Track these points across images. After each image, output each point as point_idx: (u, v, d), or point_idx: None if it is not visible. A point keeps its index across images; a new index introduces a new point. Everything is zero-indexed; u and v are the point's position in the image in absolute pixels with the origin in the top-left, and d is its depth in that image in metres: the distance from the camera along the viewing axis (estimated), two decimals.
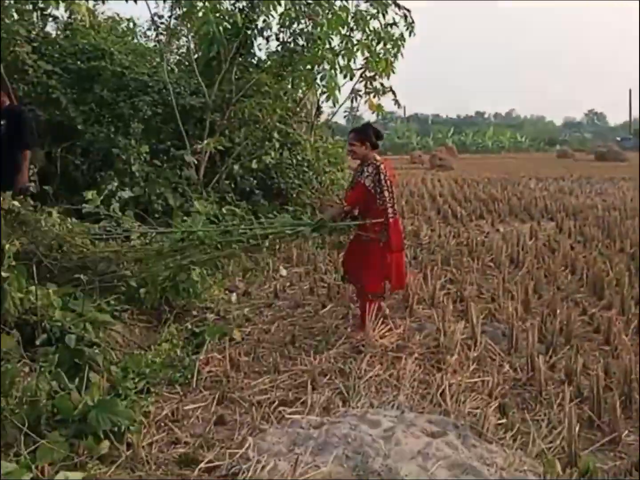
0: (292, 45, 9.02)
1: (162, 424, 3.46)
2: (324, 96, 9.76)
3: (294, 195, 9.11)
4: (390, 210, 4.76)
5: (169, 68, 9.72)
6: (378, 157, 4.88)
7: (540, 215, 11.45)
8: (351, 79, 11.19)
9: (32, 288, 3.71)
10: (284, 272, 7.37)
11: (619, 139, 50.01)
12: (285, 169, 9.14)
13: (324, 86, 8.64)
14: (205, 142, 7.74)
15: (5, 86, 7.06)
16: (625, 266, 6.85)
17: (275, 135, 8.91)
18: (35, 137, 7.00)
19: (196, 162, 7.98)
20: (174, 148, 8.39)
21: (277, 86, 9.02)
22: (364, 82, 11.37)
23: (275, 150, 9.02)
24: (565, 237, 9.16)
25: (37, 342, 3.73)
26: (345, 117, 15.46)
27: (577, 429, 3.10)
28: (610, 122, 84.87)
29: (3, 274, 3.48)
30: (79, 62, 8.53)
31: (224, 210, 7.82)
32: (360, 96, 12.03)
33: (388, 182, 4.76)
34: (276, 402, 3.72)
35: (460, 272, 6.85)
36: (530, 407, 3.69)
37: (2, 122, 6.63)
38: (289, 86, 9.10)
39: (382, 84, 11.56)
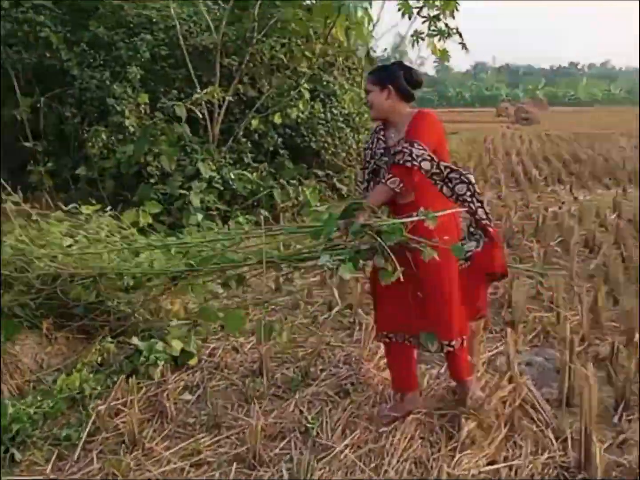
0: None
1: None
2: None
3: (327, 157, 7.53)
4: (477, 205, 2.66)
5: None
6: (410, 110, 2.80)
7: (628, 180, 9.45)
8: (409, 17, 9.49)
9: None
10: None
11: None
12: (317, 125, 7.55)
13: (347, 21, 6.90)
14: (205, 91, 6.25)
15: None
16: None
17: (303, 83, 7.30)
18: None
19: (201, 116, 6.53)
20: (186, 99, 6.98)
21: (309, 23, 7.37)
22: (427, 23, 9.67)
23: (305, 102, 7.43)
24: None
25: None
26: (435, 67, 13.97)
27: None
28: None
29: None
30: None
31: (231, 175, 6.39)
32: (422, 39, 10.37)
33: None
34: None
35: (516, 260, 5.19)
36: None
37: None
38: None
39: (447, 25, 9.77)
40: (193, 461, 2.54)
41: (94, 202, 6.51)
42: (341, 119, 7.70)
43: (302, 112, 7.35)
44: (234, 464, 2.50)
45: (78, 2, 7.20)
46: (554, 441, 2.62)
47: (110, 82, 6.80)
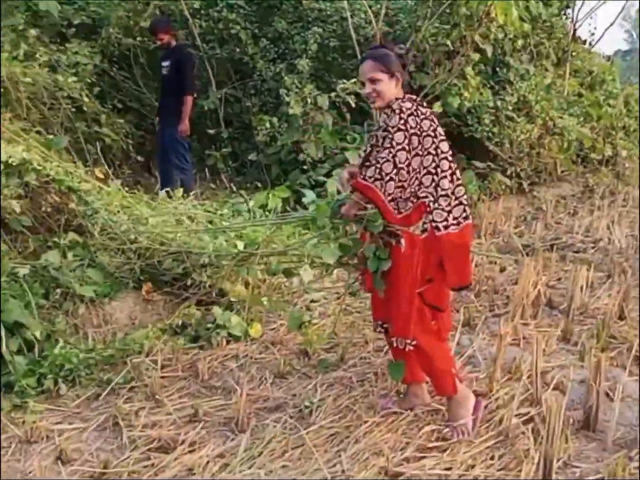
0: None
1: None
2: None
3: (489, 148, 7.16)
4: (440, 195, 2.54)
5: None
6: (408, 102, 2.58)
7: None
8: None
9: None
10: None
11: None
12: (485, 114, 7.20)
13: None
14: (352, 81, 6.39)
15: (170, 26, 6.76)
16: None
17: (470, 71, 7.03)
18: (195, 82, 6.63)
19: (354, 105, 6.68)
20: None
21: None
22: None
23: (473, 90, 7.14)
24: None
25: None
26: None
27: None
28: None
29: None
30: None
31: None
32: None
33: (435, 139, 2.53)
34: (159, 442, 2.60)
35: None
36: None
37: (165, 64, 6.41)
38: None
39: None
40: (187, 417, 2.82)
41: (259, 185, 7.20)
42: (510, 107, 7.22)
43: (468, 101, 7.07)
44: (218, 426, 2.74)
45: (266, 1, 7.84)
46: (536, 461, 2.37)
47: (284, 73, 7.33)
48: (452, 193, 2.55)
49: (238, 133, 7.95)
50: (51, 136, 5.54)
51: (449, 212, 2.54)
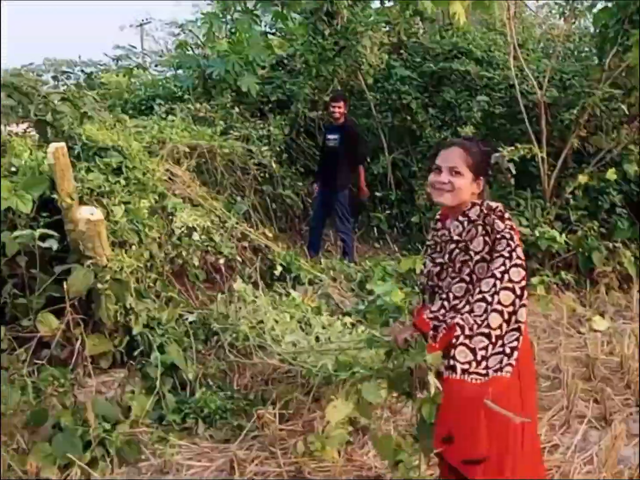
0: None
1: None
2: None
3: None
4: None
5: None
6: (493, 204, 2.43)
7: None
8: None
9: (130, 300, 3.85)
10: None
11: None
12: None
13: None
14: (509, 149, 6.33)
15: (344, 97, 7.41)
16: None
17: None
18: (366, 152, 7.20)
19: (513, 172, 6.62)
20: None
21: None
22: None
23: None
24: None
25: (135, 353, 3.89)
26: None
27: None
28: None
29: (99, 286, 3.73)
30: (432, 65, 8.22)
31: (536, 232, 6.35)
32: None
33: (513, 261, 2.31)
34: None
35: None
36: None
37: (333, 137, 7.04)
38: None
39: None
40: (293, 473, 3.10)
41: (420, 247, 7.42)
42: None
43: None
44: None
45: (436, 71, 8.19)
46: None
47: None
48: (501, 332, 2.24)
49: (405, 196, 8.28)
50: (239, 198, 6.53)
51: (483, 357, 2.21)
